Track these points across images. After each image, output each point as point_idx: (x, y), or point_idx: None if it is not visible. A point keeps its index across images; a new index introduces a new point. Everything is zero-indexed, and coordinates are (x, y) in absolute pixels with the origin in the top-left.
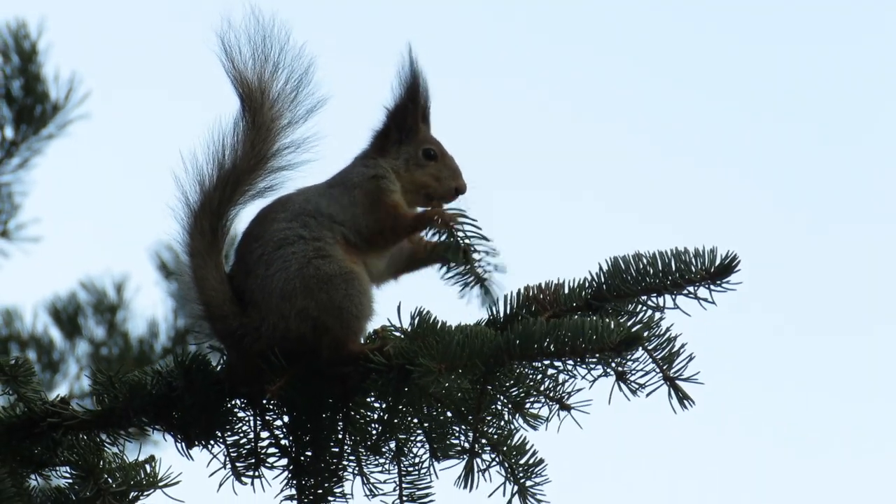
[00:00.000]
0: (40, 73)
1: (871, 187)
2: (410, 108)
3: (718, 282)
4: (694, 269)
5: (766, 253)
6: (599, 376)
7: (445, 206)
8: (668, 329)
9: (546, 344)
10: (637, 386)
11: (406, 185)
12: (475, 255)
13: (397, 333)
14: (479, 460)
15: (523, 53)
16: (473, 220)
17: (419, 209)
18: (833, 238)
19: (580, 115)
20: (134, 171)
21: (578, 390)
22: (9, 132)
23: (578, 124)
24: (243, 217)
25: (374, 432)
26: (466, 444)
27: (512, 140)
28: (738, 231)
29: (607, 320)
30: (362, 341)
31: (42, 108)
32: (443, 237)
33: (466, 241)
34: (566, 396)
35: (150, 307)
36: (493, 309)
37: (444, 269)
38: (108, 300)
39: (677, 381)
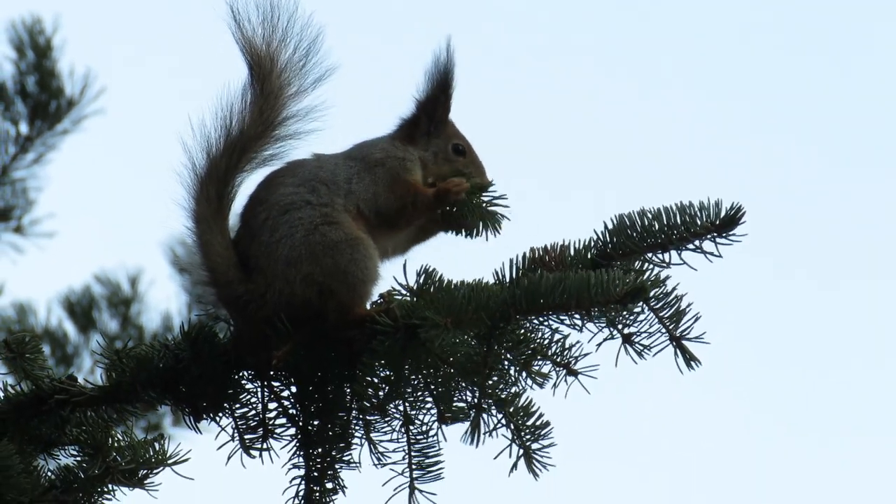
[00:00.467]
0: (55, 69)
1: (881, 134)
2: (442, 101)
3: (724, 234)
4: (699, 223)
5: (772, 204)
6: (606, 339)
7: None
8: (674, 288)
9: (552, 298)
10: (643, 347)
11: (431, 177)
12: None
13: (404, 293)
14: (485, 418)
15: (516, 34)
16: (493, 187)
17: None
18: (845, 190)
19: (581, 73)
20: (148, 165)
21: (585, 355)
22: (24, 128)
23: (580, 84)
24: (250, 183)
25: (380, 394)
26: (473, 402)
27: (514, 114)
28: (745, 184)
29: (612, 272)
30: (368, 305)
31: (57, 104)
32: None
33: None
34: (573, 361)
35: (165, 301)
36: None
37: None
38: (122, 293)
39: (683, 341)
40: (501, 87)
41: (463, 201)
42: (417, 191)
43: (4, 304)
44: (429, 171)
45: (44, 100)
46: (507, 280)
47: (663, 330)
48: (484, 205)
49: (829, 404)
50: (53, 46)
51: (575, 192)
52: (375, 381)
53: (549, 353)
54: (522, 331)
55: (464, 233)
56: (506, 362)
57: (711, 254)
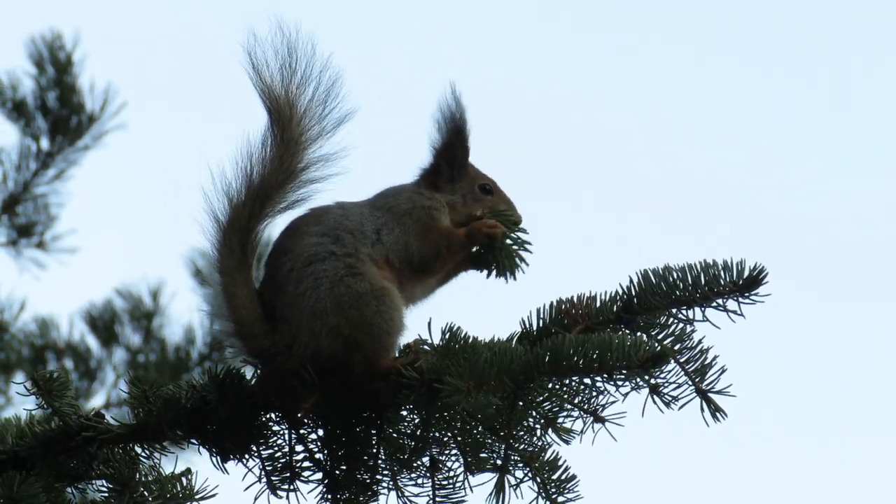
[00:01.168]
0: (76, 84)
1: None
2: (458, 145)
3: (747, 294)
4: (722, 282)
5: (793, 263)
6: (632, 389)
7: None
8: (699, 342)
9: (575, 360)
10: (670, 398)
11: (462, 219)
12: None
13: (428, 348)
14: (511, 476)
15: (549, 61)
16: (521, 225)
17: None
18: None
19: (604, 120)
20: (168, 180)
21: (612, 402)
22: (45, 143)
23: (602, 131)
24: (273, 231)
25: (407, 447)
26: (499, 461)
27: (537, 150)
28: (765, 240)
29: (636, 336)
30: (394, 356)
31: (78, 120)
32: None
33: (517, 247)
34: (600, 409)
35: (187, 313)
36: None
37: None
38: (144, 307)
39: (710, 394)
40: (517, 116)
41: (494, 238)
42: (451, 233)
43: (27, 319)
44: (458, 213)
45: (64, 115)
46: (533, 331)
47: (689, 382)
48: (513, 247)
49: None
50: (74, 62)
51: (596, 219)
52: (402, 433)
53: (576, 402)
54: (546, 390)
55: (493, 272)
56: (530, 419)
57: (734, 312)
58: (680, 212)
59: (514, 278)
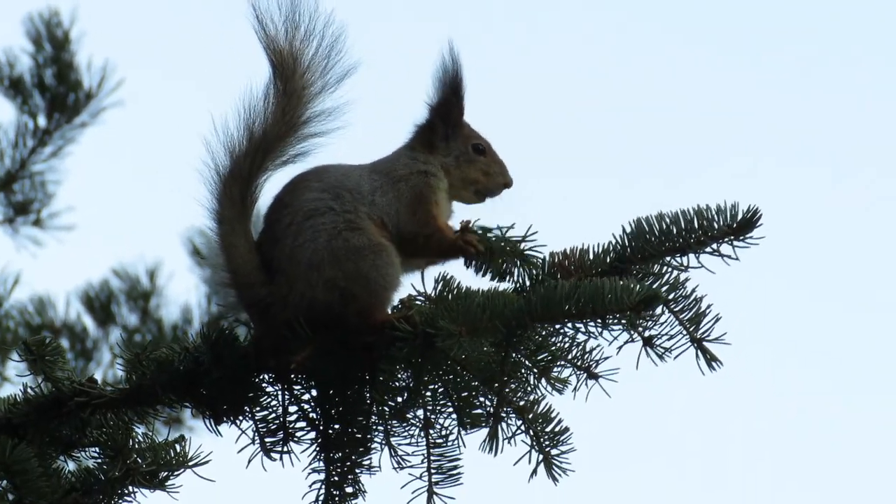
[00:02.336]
0: (73, 62)
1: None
2: (454, 103)
3: (741, 237)
4: (716, 226)
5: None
6: (626, 342)
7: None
8: (693, 290)
9: (567, 307)
10: (663, 350)
11: (456, 181)
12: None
13: (422, 300)
14: (504, 426)
15: (530, 27)
16: (511, 240)
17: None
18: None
19: (596, 83)
20: (167, 157)
21: (606, 358)
22: (42, 121)
23: (596, 93)
24: (273, 184)
25: (400, 401)
26: (492, 410)
27: (529, 116)
28: (760, 188)
29: (627, 280)
30: (388, 311)
31: (75, 97)
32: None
33: (504, 265)
34: (594, 364)
35: (184, 293)
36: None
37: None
38: (141, 287)
39: (704, 343)
40: (512, 81)
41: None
42: (436, 229)
43: (24, 298)
44: (452, 175)
45: (62, 92)
46: (527, 286)
47: (684, 332)
48: (522, 251)
49: (846, 402)
50: (71, 39)
51: (591, 188)
52: (395, 387)
53: (569, 357)
54: (540, 337)
55: (491, 274)
56: (524, 369)
57: (728, 257)
58: (674, 161)
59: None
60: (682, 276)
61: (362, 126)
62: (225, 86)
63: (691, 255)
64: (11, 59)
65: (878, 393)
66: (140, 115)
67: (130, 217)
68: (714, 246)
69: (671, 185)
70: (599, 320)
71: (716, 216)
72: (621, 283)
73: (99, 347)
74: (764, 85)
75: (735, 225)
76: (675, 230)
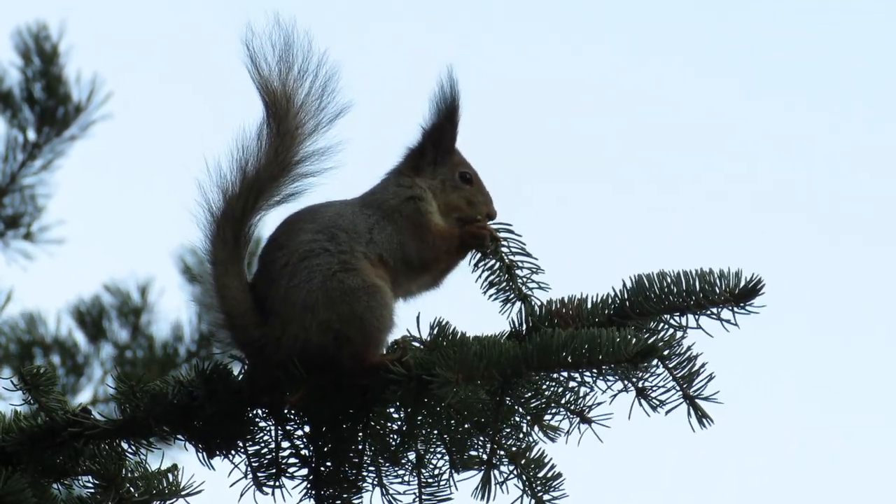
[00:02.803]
0: (62, 75)
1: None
2: (448, 129)
3: (742, 304)
4: (718, 291)
5: (792, 273)
6: (620, 391)
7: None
8: (688, 348)
9: (563, 355)
10: (657, 403)
11: (440, 206)
12: (518, 272)
13: (417, 344)
14: (497, 472)
15: (535, 57)
16: (519, 234)
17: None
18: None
19: (598, 119)
20: (157, 172)
21: (599, 404)
22: (31, 134)
23: (596, 128)
24: (267, 224)
25: (393, 443)
26: (485, 456)
27: (531, 146)
28: (763, 250)
29: (624, 332)
30: (383, 352)
31: (64, 110)
32: (490, 253)
33: (512, 256)
34: (587, 410)
35: (175, 310)
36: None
37: (487, 287)
38: (132, 303)
39: (697, 400)
40: (507, 89)
41: (482, 239)
42: (451, 239)
43: (15, 314)
44: (437, 199)
45: (51, 106)
46: (523, 330)
47: (677, 388)
48: (526, 281)
49: (840, 465)
50: (60, 52)
51: (587, 193)
52: (388, 429)
53: (563, 402)
54: (535, 385)
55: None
56: (517, 416)
57: (728, 322)
58: (676, 215)
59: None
60: (679, 334)
61: (356, 166)
62: (216, 100)
63: (690, 316)
64: (1, 73)
65: (873, 459)
66: (129, 129)
67: (121, 231)
68: (714, 310)
69: (666, 190)
70: (595, 370)
71: (718, 281)
72: (618, 334)
73: (90, 363)
74: (761, 87)
75: (737, 292)
76: (675, 290)
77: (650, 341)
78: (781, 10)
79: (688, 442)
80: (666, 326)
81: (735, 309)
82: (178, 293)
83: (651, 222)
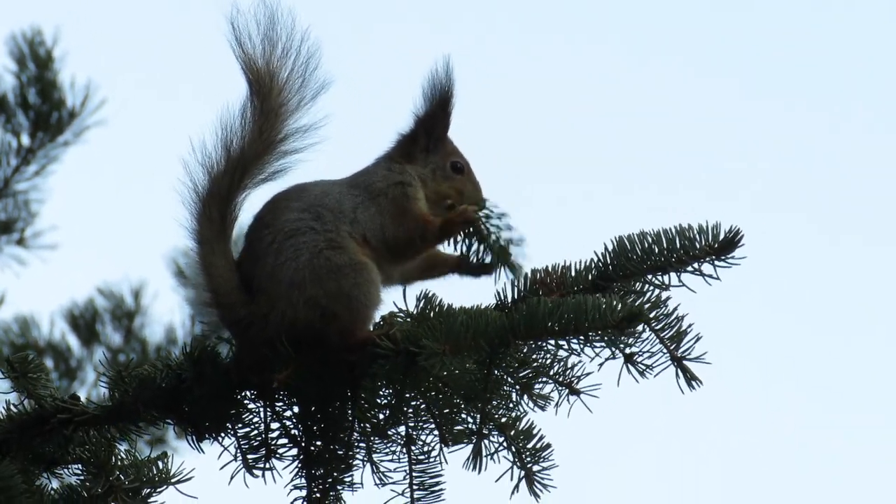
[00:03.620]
0: (56, 80)
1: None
2: (441, 117)
3: (723, 257)
4: (698, 245)
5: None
6: (608, 359)
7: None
8: (675, 308)
9: (550, 324)
10: (645, 367)
11: (430, 194)
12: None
13: (403, 317)
14: (486, 443)
15: (515, 41)
16: (500, 213)
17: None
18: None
19: (577, 97)
20: (151, 177)
21: (588, 374)
22: (25, 140)
23: (594, 127)
24: (253, 202)
25: (382, 418)
26: (474, 428)
27: (528, 144)
28: (743, 208)
29: (610, 298)
30: (370, 328)
31: (58, 116)
32: (472, 241)
33: (498, 242)
34: (575, 381)
35: (168, 313)
36: (502, 295)
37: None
38: (125, 306)
39: (685, 362)
40: (501, 97)
41: (471, 223)
42: (426, 223)
43: (7, 318)
44: (427, 188)
45: (45, 111)
46: (508, 303)
47: (664, 350)
48: (510, 257)
49: (827, 422)
50: (54, 58)
51: (575, 205)
52: (376, 404)
53: (551, 373)
54: (522, 354)
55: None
56: (506, 386)
57: (710, 276)
58: (656, 178)
59: (507, 273)
60: (664, 295)
61: (340, 140)
62: (207, 105)
63: (673, 274)
64: None
65: (860, 412)
66: (122, 134)
67: (114, 235)
68: (695, 265)
69: (667, 190)
70: (582, 337)
71: (697, 236)
72: (604, 300)
73: (83, 367)
74: (757, 90)
75: (717, 245)
76: (656, 249)
77: (636, 305)
78: (781, 11)
79: (677, 406)
80: (650, 287)
81: (716, 262)
82: (172, 297)
83: (650, 222)
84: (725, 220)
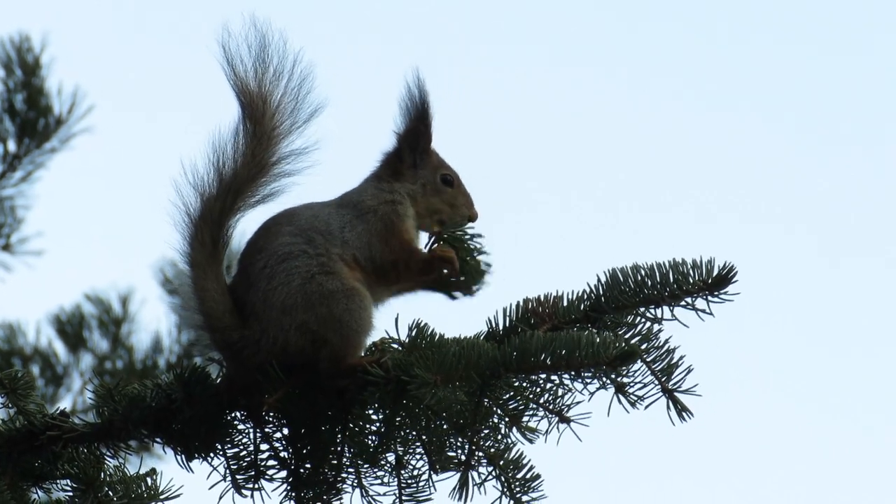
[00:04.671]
0: (43, 87)
1: (874, 192)
2: (422, 131)
3: (716, 293)
4: (691, 281)
5: (766, 262)
6: (598, 389)
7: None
8: (666, 341)
9: (542, 357)
10: (636, 398)
11: (421, 209)
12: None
13: (395, 346)
14: (475, 473)
15: (508, 63)
16: (475, 224)
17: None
18: (836, 247)
19: (570, 121)
20: (137, 184)
21: (578, 403)
22: (12, 146)
23: (569, 132)
24: (245, 225)
25: (372, 444)
26: (463, 457)
27: (508, 150)
28: (737, 240)
29: (604, 334)
30: (361, 354)
31: (45, 122)
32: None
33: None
34: (565, 409)
35: (155, 321)
36: (493, 322)
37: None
38: (113, 313)
39: (676, 394)
40: (486, 108)
41: (451, 263)
42: (413, 253)
43: None
44: (418, 204)
45: (32, 118)
46: (500, 330)
47: (656, 382)
48: (471, 254)
49: (821, 452)
50: (42, 64)
51: (559, 204)
52: (367, 430)
53: (541, 401)
54: (513, 386)
55: (457, 296)
56: (495, 417)
57: (703, 311)
58: (651, 211)
59: (472, 294)
60: (656, 328)
61: (333, 163)
62: (195, 114)
63: (665, 308)
64: None
65: (853, 442)
66: (109, 142)
67: (101, 243)
68: (689, 300)
69: (650, 207)
70: (574, 373)
71: (691, 271)
72: (597, 337)
73: (70, 373)
74: (757, 90)
75: (710, 280)
76: (649, 282)
77: (630, 344)
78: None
79: (668, 437)
80: (642, 320)
81: (709, 297)
82: (159, 304)
83: (642, 248)
84: (718, 253)
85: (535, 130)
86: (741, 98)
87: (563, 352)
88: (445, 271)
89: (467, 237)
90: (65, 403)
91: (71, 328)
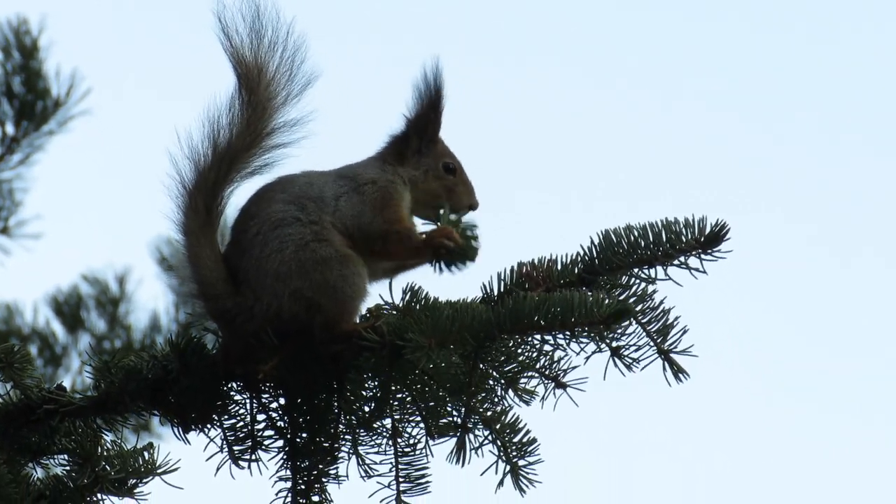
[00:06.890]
0: (41, 70)
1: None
2: (432, 118)
3: (709, 250)
4: (684, 239)
5: (759, 223)
6: (594, 352)
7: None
8: (661, 302)
9: (536, 318)
10: (631, 361)
11: (421, 195)
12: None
13: (389, 310)
14: (471, 437)
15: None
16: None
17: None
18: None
19: (566, 92)
20: (135, 166)
21: (574, 367)
22: (10, 128)
23: (569, 133)
24: (239, 195)
25: (367, 410)
26: (459, 421)
27: (508, 150)
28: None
29: (597, 293)
30: (356, 321)
31: (43, 105)
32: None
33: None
34: (562, 374)
35: (153, 300)
36: (488, 287)
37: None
38: (110, 293)
39: (672, 355)
40: (489, 96)
41: (448, 249)
42: (410, 228)
43: None
44: (419, 189)
45: (30, 100)
46: (494, 295)
47: (651, 344)
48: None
49: (813, 414)
50: (40, 47)
51: (561, 201)
52: (362, 396)
53: (537, 367)
54: (507, 349)
55: (452, 268)
56: (491, 380)
57: (696, 269)
58: (642, 171)
59: (462, 267)
60: (650, 288)
61: (327, 134)
62: (191, 96)
63: (659, 268)
64: None
65: (844, 411)
66: (107, 124)
67: (99, 224)
68: (682, 259)
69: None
70: (568, 333)
71: (684, 229)
72: (591, 296)
73: (68, 354)
74: (741, 94)
75: (703, 239)
76: (642, 243)
77: (623, 302)
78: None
79: (664, 398)
80: (636, 280)
81: (702, 256)
82: (156, 283)
83: (636, 216)
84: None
85: (534, 131)
86: (741, 98)
87: (557, 311)
88: (445, 242)
89: (462, 225)
90: (64, 383)
91: (68, 308)
